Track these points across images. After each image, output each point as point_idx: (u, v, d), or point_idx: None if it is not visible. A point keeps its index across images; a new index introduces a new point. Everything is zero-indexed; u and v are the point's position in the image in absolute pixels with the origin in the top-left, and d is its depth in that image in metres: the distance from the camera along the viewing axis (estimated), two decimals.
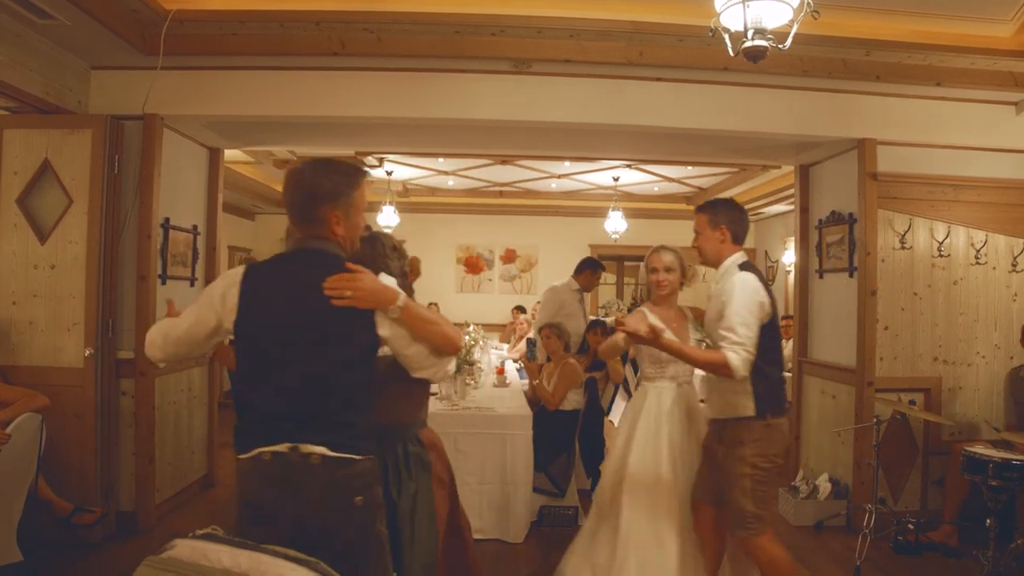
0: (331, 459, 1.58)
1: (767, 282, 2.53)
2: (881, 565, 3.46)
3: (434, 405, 3.69)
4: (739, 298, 2.38)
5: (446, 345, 1.73)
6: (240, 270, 1.70)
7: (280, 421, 1.60)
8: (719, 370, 2.37)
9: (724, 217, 2.59)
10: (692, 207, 8.96)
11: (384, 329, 1.66)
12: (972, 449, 3.20)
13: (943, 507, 3.83)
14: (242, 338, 1.67)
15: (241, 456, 1.64)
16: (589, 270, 5.26)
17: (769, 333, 2.44)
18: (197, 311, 1.72)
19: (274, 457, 1.58)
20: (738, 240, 2.61)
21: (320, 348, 1.61)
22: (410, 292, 2.92)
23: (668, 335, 2.45)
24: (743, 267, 2.50)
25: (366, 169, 1.83)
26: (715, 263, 2.62)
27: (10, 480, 2.96)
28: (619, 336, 2.86)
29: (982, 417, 4.10)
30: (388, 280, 1.70)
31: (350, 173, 1.73)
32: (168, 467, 4.06)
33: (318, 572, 1.39)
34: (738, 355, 2.32)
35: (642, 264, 2.99)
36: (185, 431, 4.27)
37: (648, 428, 2.78)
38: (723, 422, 2.53)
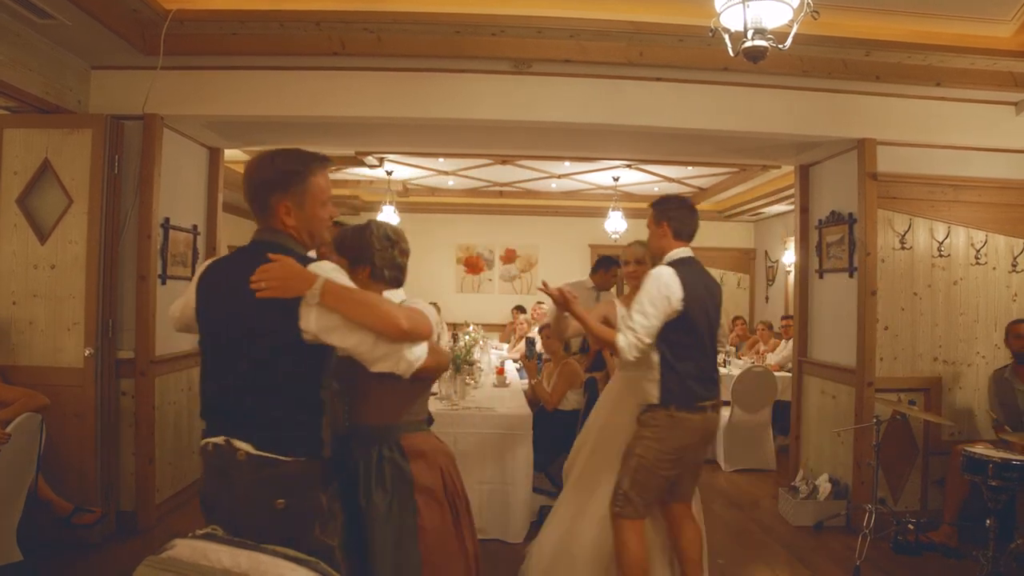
0: (255, 457, 1.54)
1: (696, 283, 2.58)
2: (881, 565, 3.46)
3: (434, 405, 3.69)
4: (644, 289, 2.52)
5: (386, 328, 1.55)
6: (207, 263, 1.74)
7: (218, 414, 1.62)
8: (611, 347, 2.57)
9: (666, 214, 2.69)
10: None
11: (310, 320, 1.52)
12: (972, 449, 3.20)
13: (943, 507, 3.83)
14: (199, 330, 1.68)
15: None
16: (603, 268, 5.22)
17: (682, 327, 2.53)
18: (185, 296, 1.79)
19: (214, 448, 1.59)
20: (680, 236, 2.69)
21: (247, 343, 1.56)
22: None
23: (579, 307, 2.61)
24: (674, 263, 2.61)
25: (325, 157, 1.71)
26: (659, 257, 2.73)
27: (10, 480, 2.96)
28: (549, 306, 3.04)
29: (982, 417, 4.10)
30: (322, 267, 1.57)
31: (303, 160, 1.65)
32: (168, 467, 4.06)
33: (318, 572, 1.39)
34: (624, 337, 2.46)
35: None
36: (185, 431, 4.27)
37: (611, 407, 2.96)
38: (640, 408, 2.67)
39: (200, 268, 1.73)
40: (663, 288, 2.50)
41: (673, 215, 2.69)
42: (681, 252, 2.66)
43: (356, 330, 1.54)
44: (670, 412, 2.54)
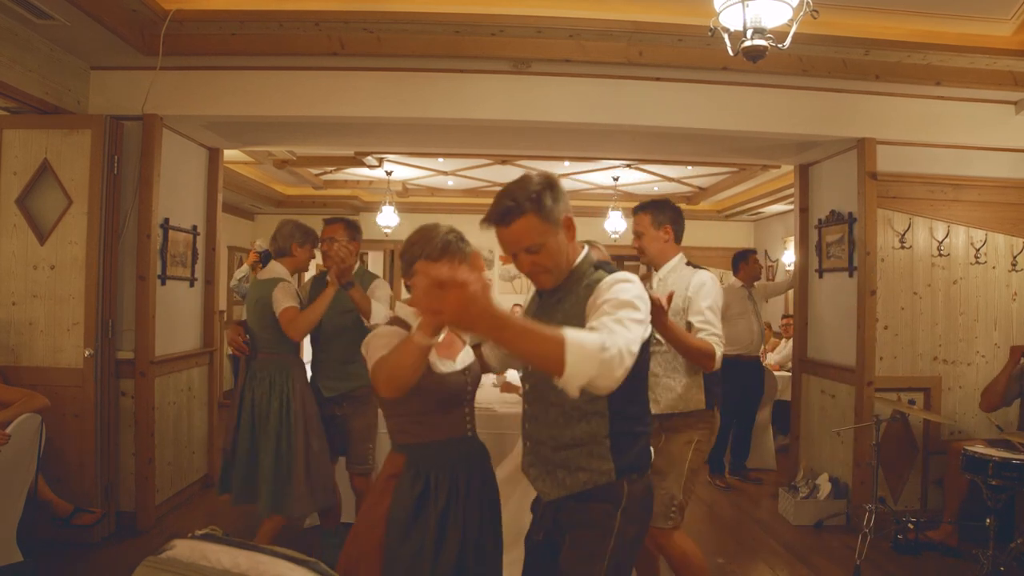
0: None
1: None
2: (881, 564, 3.46)
3: None
4: (711, 293, 2.46)
5: (549, 364, 1.39)
6: None
7: None
8: (702, 360, 2.39)
9: (666, 217, 2.64)
10: (692, 207, 9.01)
11: None
12: (972, 448, 3.20)
13: (942, 506, 3.83)
14: None
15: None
16: (742, 261, 5.12)
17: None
18: None
19: None
20: (678, 239, 2.68)
21: None
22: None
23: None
24: (691, 266, 2.59)
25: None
26: (658, 262, 2.69)
27: (10, 480, 2.96)
28: None
29: (982, 417, 4.10)
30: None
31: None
32: (168, 467, 4.06)
33: (317, 572, 1.39)
34: (720, 348, 2.40)
35: None
36: (185, 431, 4.27)
37: None
38: (664, 416, 2.53)
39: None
40: (719, 289, 2.49)
41: (673, 217, 2.66)
42: (683, 257, 2.66)
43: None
44: (713, 414, 2.54)
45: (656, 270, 2.72)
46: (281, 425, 2.90)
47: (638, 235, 2.71)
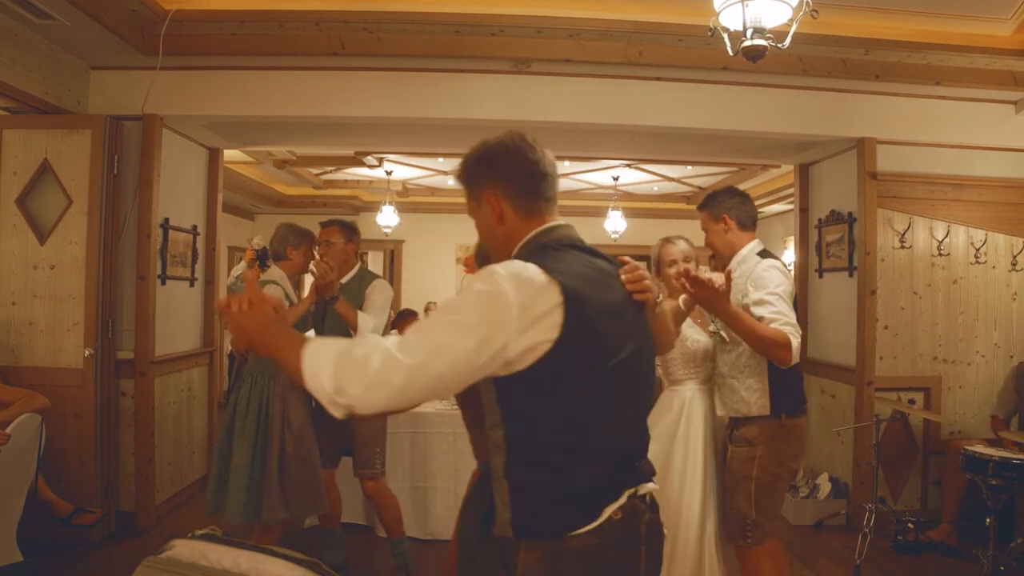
0: (656, 492, 1.31)
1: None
2: (881, 564, 3.46)
3: (434, 405, 3.69)
4: (769, 280, 2.22)
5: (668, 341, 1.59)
6: (566, 270, 1.22)
7: (630, 459, 1.29)
8: (775, 351, 2.11)
9: (723, 206, 2.43)
10: (692, 206, 9.01)
11: None
12: (972, 448, 3.20)
13: (942, 506, 3.84)
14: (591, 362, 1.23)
15: (580, 531, 1.19)
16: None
17: None
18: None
19: (623, 513, 1.22)
20: (744, 226, 2.43)
21: (643, 359, 1.33)
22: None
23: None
24: (762, 254, 2.35)
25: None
26: (730, 255, 2.43)
27: (10, 480, 2.96)
28: (677, 300, 2.37)
29: (983, 417, 4.10)
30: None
31: None
32: (168, 467, 4.06)
33: (317, 572, 1.39)
34: (796, 338, 2.10)
35: (650, 260, 2.70)
36: (185, 431, 4.27)
37: (680, 447, 2.48)
38: (734, 421, 2.39)
39: (542, 272, 1.17)
40: (785, 275, 2.24)
41: (730, 204, 2.42)
42: (758, 243, 2.42)
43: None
44: (781, 421, 2.27)
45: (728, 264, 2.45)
46: (258, 429, 2.78)
47: (705, 233, 2.51)
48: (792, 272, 5.92)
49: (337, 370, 1.08)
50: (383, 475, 3.14)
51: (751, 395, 2.30)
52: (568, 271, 1.20)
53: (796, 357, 2.13)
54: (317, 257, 3.03)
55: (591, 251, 1.34)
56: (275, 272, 3.07)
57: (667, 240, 2.62)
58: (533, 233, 1.31)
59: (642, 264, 1.40)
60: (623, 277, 1.33)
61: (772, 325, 2.13)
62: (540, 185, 1.33)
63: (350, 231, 3.12)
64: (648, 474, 1.29)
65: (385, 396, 1.07)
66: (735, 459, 2.34)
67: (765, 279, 2.23)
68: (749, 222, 2.45)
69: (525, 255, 1.25)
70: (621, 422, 1.26)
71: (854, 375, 4.03)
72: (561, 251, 1.26)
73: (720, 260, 2.54)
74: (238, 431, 2.79)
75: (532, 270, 1.16)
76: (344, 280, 3.10)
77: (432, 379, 1.09)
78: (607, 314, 1.23)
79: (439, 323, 1.14)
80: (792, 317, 2.16)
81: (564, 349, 1.14)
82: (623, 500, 1.21)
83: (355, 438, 3.11)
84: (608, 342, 1.22)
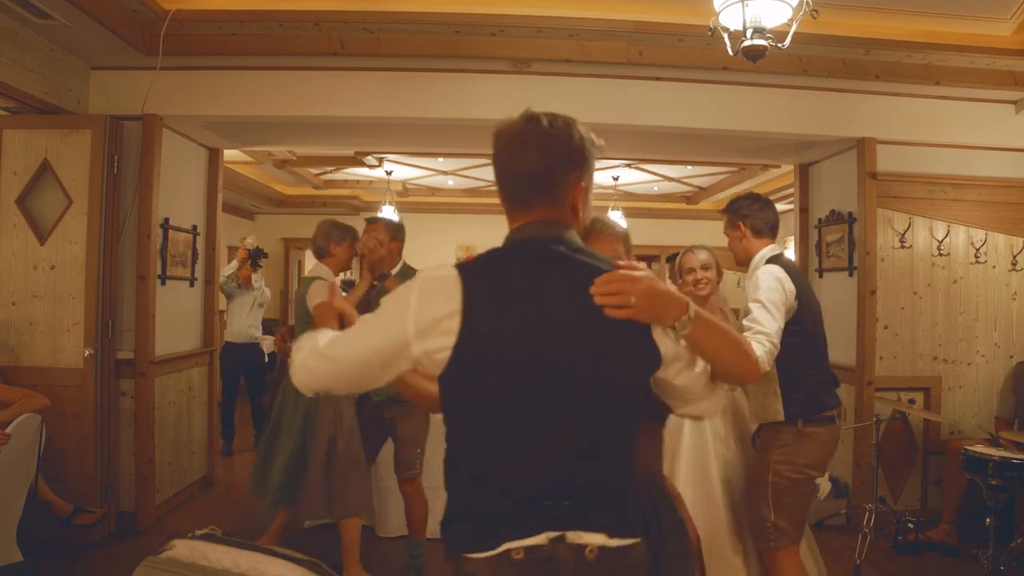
0: (610, 552, 1.11)
1: (800, 276, 2.41)
2: (881, 564, 3.46)
3: None
4: (758, 286, 2.23)
5: (746, 367, 1.23)
6: (475, 268, 1.20)
7: (547, 497, 1.11)
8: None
9: (739, 213, 2.48)
10: (692, 206, 9.02)
11: (668, 350, 1.17)
12: (972, 448, 3.20)
13: (942, 506, 3.84)
14: (489, 374, 1.14)
15: (474, 555, 1.11)
16: None
17: (798, 326, 2.27)
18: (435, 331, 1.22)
19: (534, 553, 1.09)
20: (759, 233, 2.45)
21: (593, 381, 1.14)
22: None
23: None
24: (771, 260, 2.37)
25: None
26: (746, 262, 2.48)
27: (10, 480, 2.96)
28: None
29: (982, 416, 4.10)
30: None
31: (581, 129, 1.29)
32: (168, 467, 4.06)
33: (317, 572, 1.39)
34: (762, 346, 2.08)
35: (673, 268, 2.78)
36: (185, 431, 4.27)
37: (695, 443, 2.50)
38: (759, 426, 2.42)
39: (457, 278, 1.13)
40: (777, 280, 2.23)
41: (746, 212, 2.46)
42: (772, 248, 2.43)
43: (698, 364, 1.22)
44: (798, 428, 2.28)
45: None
46: (306, 424, 2.89)
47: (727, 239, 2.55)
48: None
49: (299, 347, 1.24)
50: (420, 475, 3.15)
51: (766, 400, 2.33)
52: (486, 277, 1.16)
53: (766, 363, 2.10)
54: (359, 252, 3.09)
55: (552, 257, 1.17)
56: (321, 268, 3.12)
57: (689, 249, 2.72)
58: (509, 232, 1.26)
59: (643, 264, 1.29)
60: (591, 289, 1.12)
61: (745, 334, 2.12)
62: (501, 184, 1.33)
63: (395, 229, 3.14)
64: (590, 524, 1.12)
65: (305, 377, 1.21)
66: (757, 463, 2.40)
67: (755, 285, 2.27)
68: (765, 228, 2.47)
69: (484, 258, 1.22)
70: (537, 451, 1.11)
71: (854, 375, 4.03)
72: (507, 256, 1.21)
73: (742, 266, 2.57)
74: (285, 427, 2.91)
75: (443, 273, 1.16)
76: None
77: (339, 366, 1.19)
78: (520, 329, 1.10)
79: (361, 320, 1.25)
80: (769, 325, 2.13)
81: (462, 357, 1.10)
82: (535, 540, 1.09)
83: (397, 440, 3.13)
84: (514, 360, 1.10)
